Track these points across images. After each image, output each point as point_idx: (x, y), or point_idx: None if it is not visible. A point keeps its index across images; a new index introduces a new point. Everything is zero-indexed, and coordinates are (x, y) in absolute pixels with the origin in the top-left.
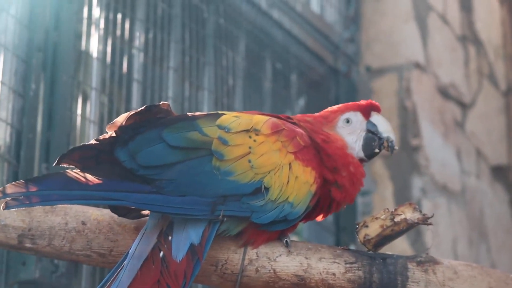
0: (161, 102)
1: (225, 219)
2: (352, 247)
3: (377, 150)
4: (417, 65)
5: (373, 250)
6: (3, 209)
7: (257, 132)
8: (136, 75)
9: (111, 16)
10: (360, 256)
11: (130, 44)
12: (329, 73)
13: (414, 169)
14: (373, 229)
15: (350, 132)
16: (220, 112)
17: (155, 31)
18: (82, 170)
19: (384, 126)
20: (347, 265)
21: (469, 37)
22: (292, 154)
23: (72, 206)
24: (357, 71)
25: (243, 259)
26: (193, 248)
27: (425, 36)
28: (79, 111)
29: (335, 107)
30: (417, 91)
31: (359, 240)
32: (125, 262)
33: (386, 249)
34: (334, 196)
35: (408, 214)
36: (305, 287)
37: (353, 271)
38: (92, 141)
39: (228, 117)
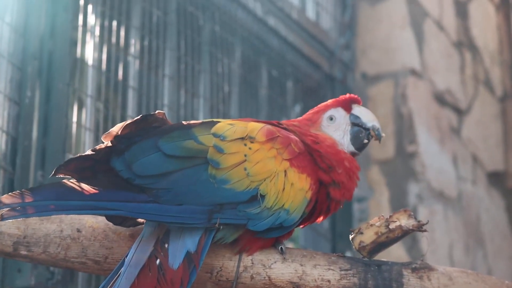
0: (157, 111)
1: (221, 227)
2: (349, 254)
3: (366, 141)
4: (413, 72)
5: (368, 257)
6: (0, 220)
7: (252, 139)
8: (132, 82)
9: (106, 23)
10: (355, 263)
11: (126, 51)
12: (325, 79)
13: (410, 176)
14: (368, 236)
15: (335, 128)
16: (215, 120)
17: (151, 39)
18: (79, 180)
19: (367, 116)
20: (342, 272)
21: (465, 43)
22: (287, 161)
23: None
24: (353, 77)
25: (238, 266)
26: (189, 255)
27: (421, 43)
28: (74, 118)
29: (316, 107)
30: (413, 98)
31: (354, 247)
32: (122, 269)
33: (382, 256)
34: (334, 195)
35: (403, 221)
36: None
37: (348, 278)
38: (88, 152)
39: (223, 125)
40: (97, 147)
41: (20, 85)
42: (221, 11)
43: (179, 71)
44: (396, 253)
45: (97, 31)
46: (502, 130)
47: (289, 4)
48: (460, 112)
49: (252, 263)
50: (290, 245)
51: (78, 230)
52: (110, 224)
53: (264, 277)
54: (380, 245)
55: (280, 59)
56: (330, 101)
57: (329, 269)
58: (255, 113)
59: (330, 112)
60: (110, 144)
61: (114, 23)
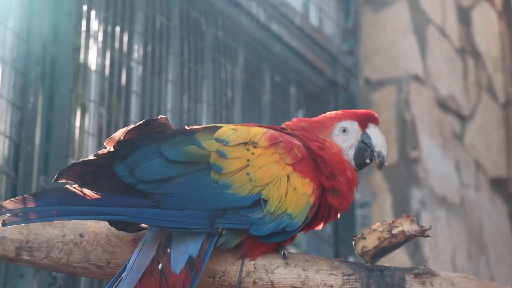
0: (159, 116)
1: (224, 232)
2: (351, 259)
3: (368, 161)
4: (416, 78)
5: (370, 262)
6: (2, 226)
7: (255, 144)
8: (135, 87)
9: (109, 29)
10: (358, 268)
11: (129, 57)
12: (328, 85)
13: (413, 181)
14: (370, 241)
15: (344, 140)
16: (218, 125)
17: (154, 44)
18: (81, 186)
19: (379, 140)
20: (345, 277)
21: (468, 50)
22: (290, 166)
23: None
24: (356, 83)
25: (241, 271)
26: (191, 260)
27: (424, 49)
28: (77, 123)
29: (333, 113)
30: (416, 104)
31: (356, 252)
32: (124, 274)
33: (385, 261)
34: (331, 202)
35: (405, 226)
36: None
37: (350, 283)
38: (91, 157)
39: (226, 130)
40: (100, 152)
41: (23, 91)
42: (224, 16)
43: (182, 77)
44: (399, 258)
45: (100, 37)
46: (504, 137)
47: (292, 10)
48: (463, 118)
49: (255, 268)
50: (292, 250)
51: (81, 235)
52: (113, 229)
53: (267, 282)
54: (383, 250)
55: (283, 65)
56: (348, 111)
57: (331, 274)
58: (258, 118)
59: (345, 124)
60: (112, 149)
61: (118, 29)
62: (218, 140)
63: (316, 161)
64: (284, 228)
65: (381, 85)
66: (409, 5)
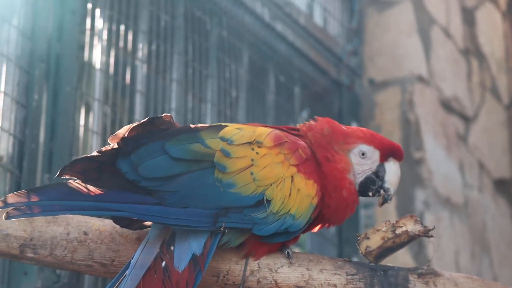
0: (164, 114)
1: (226, 230)
2: (355, 259)
3: (370, 195)
4: (420, 78)
5: (374, 262)
6: (5, 219)
7: (259, 144)
8: (139, 86)
9: (114, 27)
10: (361, 267)
11: (133, 55)
12: (332, 85)
13: (417, 182)
14: (374, 241)
15: (360, 163)
16: (223, 124)
17: (158, 43)
18: (84, 182)
19: (392, 178)
20: (348, 277)
21: (472, 51)
22: (295, 166)
23: (74, 216)
24: (360, 84)
25: (245, 270)
26: (195, 258)
27: (428, 50)
28: (82, 122)
29: (361, 132)
30: (420, 104)
31: (360, 252)
32: (128, 271)
33: (388, 261)
34: (323, 211)
35: (409, 226)
36: None
37: (354, 283)
38: (94, 153)
39: (231, 129)
40: (103, 148)
41: (28, 88)
42: (229, 16)
43: (187, 76)
44: (402, 259)
45: (104, 35)
46: (508, 138)
47: (296, 10)
48: (466, 119)
49: (259, 267)
50: (296, 250)
51: (85, 233)
52: (117, 227)
53: (271, 281)
54: (387, 250)
55: (287, 65)
56: (375, 137)
57: (335, 273)
58: (262, 118)
59: (366, 148)
60: (116, 146)
61: (122, 27)
62: (222, 139)
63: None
64: (287, 228)
65: (385, 85)
66: (414, 5)
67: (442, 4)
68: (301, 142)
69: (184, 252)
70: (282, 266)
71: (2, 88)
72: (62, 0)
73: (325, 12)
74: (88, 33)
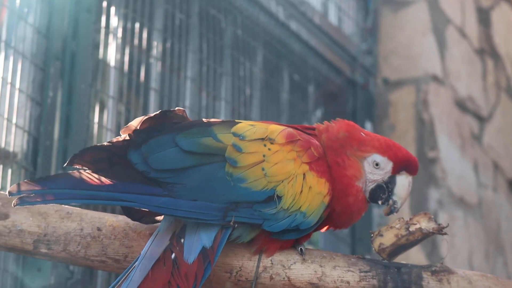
0: (177, 108)
1: (236, 225)
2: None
3: (379, 203)
4: (435, 78)
5: (387, 259)
6: (15, 205)
7: (272, 141)
8: (154, 84)
9: (129, 25)
10: (375, 264)
11: (148, 53)
12: (346, 84)
13: (431, 181)
14: (388, 238)
15: (373, 172)
16: (236, 120)
17: (173, 41)
18: (94, 172)
19: (401, 192)
20: (362, 274)
21: (487, 51)
22: (307, 164)
23: (88, 212)
24: (375, 83)
25: (258, 267)
26: (204, 251)
27: (443, 49)
28: (96, 119)
29: (376, 141)
30: (435, 104)
31: (374, 249)
32: (137, 262)
33: (401, 260)
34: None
35: (423, 223)
36: None
37: (367, 280)
38: (105, 143)
39: (244, 125)
40: (114, 139)
41: (42, 86)
42: (243, 14)
43: (201, 74)
44: (415, 258)
45: (119, 33)
46: None
47: (311, 9)
48: (481, 119)
49: (272, 263)
50: (309, 248)
51: (99, 229)
52: (130, 223)
53: (284, 278)
54: (400, 247)
55: (301, 64)
56: (391, 148)
57: (348, 270)
58: (276, 116)
59: (380, 159)
60: (128, 137)
61: (137, 25)
62: (235, 134)
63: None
64: (297, 225)
65: (399, 85)
66: (429, 5)
67: (457, 4)
68: (314, 141)
69: (194, 244)
70: (295, 263)
71: (17, 85)
72: None
73: (340, 11)
74: (103, 31)
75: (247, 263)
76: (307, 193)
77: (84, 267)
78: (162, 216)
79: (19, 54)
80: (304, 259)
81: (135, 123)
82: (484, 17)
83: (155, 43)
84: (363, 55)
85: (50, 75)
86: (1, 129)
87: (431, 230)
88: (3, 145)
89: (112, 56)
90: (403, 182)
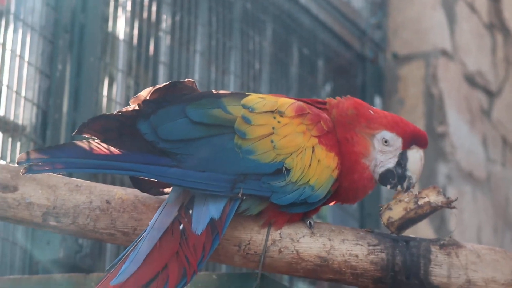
0: (186, 79)
1: (244, 197)
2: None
3: (388, 187)
4: (444, 53)
5: (396, 233)
6: (24, 174)
7: (281, 114)
8: (163, 57)
9: None
10: (383, 238)
11: (157, 26)
12: (355, 59)
13: (439, 156)
14: (396, 212)
15: (383, 150)
16: (246, 93)
17: (182, 14)
18: (103, 141)
19: (414, 166)
20: (370, 247)
21: (497, 25)
22: (316, 138)
23: (97, 184)
24: (384, 57)
25: (267, 240)
26: (213, 222)
27: (453, 24)
28: (105, 92)
29: (383, 118)
30: (444, 79)
31: (382, 222)
32: (145, 233)
33: (410, 234)
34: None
35: (432, 197)
36: (327, 269)
37: (376, 253)
38: (115, 112)
39: (254, 98)
40: (124, 109)
41: (51, 58)
42: None
43: (210, 47)
44: (424, 233)
45: (128, 6)
46: None
47: None
48: (490, 94)
49: (280, 237)
50: (317, 221)
51: (107, 202)
52: (139, 195)
53: (292, 251)
54: (409, 221)
55: (311, 38)
56: (398, 123)
57: (357, 244)
58: (285, 91)
59: (389, 136)
60: (137, 107)
61: None
62: (244, 106)
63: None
64: (305, 199)
65: (409, 59)
66: None
67: None
68: (324, 115)
69: (202, 215)
70: (304, 236)
71: (26, 58)
72: None
73: None
74: (112, 4)
75: (255, 237)
76: (315, 166)
77: (93, 241)
78: (171, 189)
79: (28, 27)
80: (312, 232)
81: (145, 93)
82: None
83: (164, 17)
84: (372, 29)
85: (59, 48)
86: (10, 102)
87: (439, 204)
88: (12, 118)
89: (121, 29)
90: (415, 156)
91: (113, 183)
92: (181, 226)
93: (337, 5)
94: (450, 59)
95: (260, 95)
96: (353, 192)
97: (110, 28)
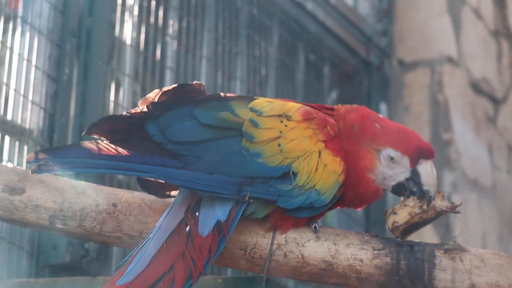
0: (194, 82)
1: (251, 200)
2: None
3: (402, 199)
4: (450, 59)
5: (401, 237)
6: (33, 173)
7: (288, 118)
8: (169, 62)
9: (145, 3)
10: (388, 243)
11: (164, 32)
12: (361, 65)
13: (445, 163)
14: (401, 216)
15: (390, 167)
16: (254, 96)
17: (189, 20)
18: (112, 142)
19: (429, 180)
20: (375, 252)
21: (503, 32)
22: (322, 142)
23: (103, 188)
24: (390, 64)
25: (272, 244)
26: (219, 224)
27: (458, 31)
28: (112, 97)
29: (389, 135)
30: (449, 85)
31: (387, 226)
32: (152, 234)
33: (414, 239)
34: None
35: (436, 202)
36: (332, 273)
37: (380, 258)
38: (123, 113)
39: (261, 101)
40: (132, 110)
41: (59, 62)
42: None
43: (217, 53)
44: (429, 240)
45: (135, 11)
46: None
47: None
48: (496, 101)
49: (286, 241)
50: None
51: (114, 205)
52: (146, 199)
53: (298, 255)
54: (413, 225)
55: (317, 44)
56: (403, 141)
57: (362, 248)
58: (292, 97)
59: (394, 154)
60: (145, 109)
61: (153, 3)
62: (252, 109)
63: None
64: (311, 203)
65: (414, 66)
66: None
67: None
68: (331, 120)
69: (209, 218)
70: (309, 240)
71: (34, 62)
72: None
73: None
74: (119, 8)
75: (261, 240)
76: (322, 170)
77: (99, 245)
78: (177, 191)
79: (35, 30)
80: (318, 236)
81: (153, 95)
82: None
83: (171, 22)
84: (378, 36)
85: (66, 52)
86: (17, 105)
87: (444, 209)
88: (19, 121)
89: (128, 34)
90: (426, 169)
91: (120, 186)
92: (188, 228)
93: (344, 11)
94: (456, 66)
95: (268, 99)
96: (358, 203)
97: (117, 33)
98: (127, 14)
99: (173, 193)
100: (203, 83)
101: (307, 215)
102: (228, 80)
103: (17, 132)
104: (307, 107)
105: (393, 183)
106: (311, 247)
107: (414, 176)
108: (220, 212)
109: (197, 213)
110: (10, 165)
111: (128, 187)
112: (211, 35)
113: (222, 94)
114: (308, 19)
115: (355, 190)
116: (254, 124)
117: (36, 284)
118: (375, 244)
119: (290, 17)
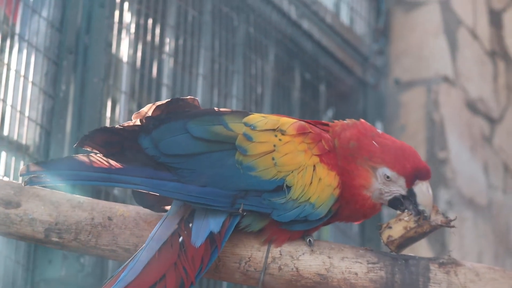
0: (189, 96)
1: (245, 213)
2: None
3: (398, 212)
4: (446, 79)
5: (396, 251)
6: (25, 185)
7: (283, 132)
8: (166, 80)
9: (142, 21)
10: (383, 256)
11: (160, 49)
12: (357, 85)
13: (440, 182)
14: (396, 231)
15: (385, 184)
16: (248, 112)
17: (185, 38)
18: (105, 156)
19: (425, 200)
20: (370, 265)
21: (499, 52)
22: (317, 156)
23: (99, 201)
24: (386, 83)
25: (267, 257)
26: (212, 236)
27: (454, 50)
28: (108, 114)
29: (385, 153)
30: (445, 105)
31: (382, 241)
32: (144, 244)
33: (409, 254)
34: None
35: (431, 216)
36: (327, 286)
37: (375, 271)
38: (116, 126)
39: (255, 117)
40: (125, 123)
41: (55, 79)
42: (256, 13)
43: (213, 71)
44: (424, 255)
45: (132, 29)
46: None
47: (323, 9)
48: (492, 121)
49: (280, 254)
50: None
51: (109, 218)
52: (141, 212)
53: (292, 269)
54: (408, 239)
55: (313, 63)
56: (400, 160)
57: (356, 262)
58: (287, 115)
59: (390, 173)
60: (139, 122)
61: (150, 21)
62: (246, 124)
63: None
64: (306, 216)
65: (410, 85)
66: (441, 6)
67: (469, 6)
68: (326, 135)
69: (202, 229)
70: (303, 254)
71: (31, 78)
72: None
73: (352, 12)
74: (116, 26)
75: (256, 254)
76: (316, 184)
77: (95, 260)
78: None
79: (32, 47)
80: (312, 250)
81: (146, 109)
82: (496, 19)
83: (167, 40)
84: (374, 55)
85: (63, 69)
86: (14, 121)
87: (439, 223)
88: (15, 137)
89: (124, 52)
90: (421, 190)
91: (115, 200)
92: (181, 239)
93: (340, 31)
94: (452, 85)
95: (262, 114)
96: (354, 218)
97: (113, 50)
98: (124, 32)
99: (168, 207)
100: (197, 99)
101: (302, 228)
102: (224, 98)
103: (14, 148)
104: (302, 122)
105: (390, 197)
106: (305, 260)
107: (410, 196)
108: (213, 224)
109: (190, 224)
110: (6, 179)
111: (124, 202)
112: (207, 53)
113: (216, 108)
114: (304, 38)
115: (352, 206)
116: (248, 138)
117: None
118: (370, 257)
119: (286, 36)
